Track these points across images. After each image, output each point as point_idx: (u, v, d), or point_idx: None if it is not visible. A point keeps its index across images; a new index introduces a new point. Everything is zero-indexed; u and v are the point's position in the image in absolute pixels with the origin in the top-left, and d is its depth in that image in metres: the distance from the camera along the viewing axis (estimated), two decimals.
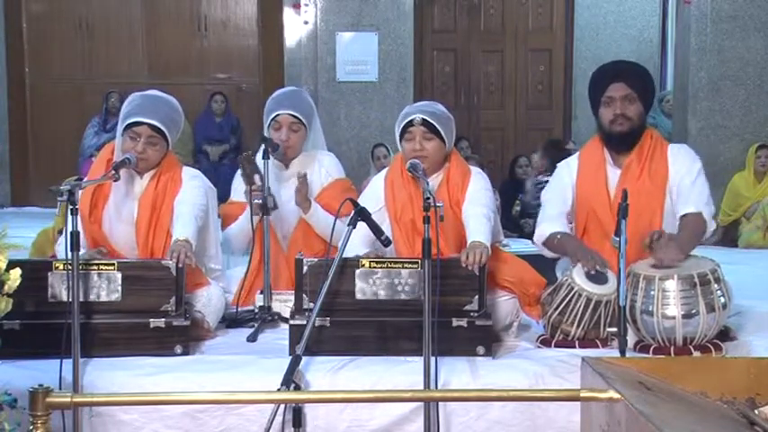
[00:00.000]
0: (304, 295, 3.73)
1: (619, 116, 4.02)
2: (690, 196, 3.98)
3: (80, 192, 3.57)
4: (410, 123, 4.06)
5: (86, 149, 9.61)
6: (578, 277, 3.82)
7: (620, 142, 4.07)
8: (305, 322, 3.54)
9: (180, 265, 3.71)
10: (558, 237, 4.03)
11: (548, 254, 4.16)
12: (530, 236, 7.43)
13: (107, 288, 3.70)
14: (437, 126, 4.05)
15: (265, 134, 4.41)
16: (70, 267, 3.42)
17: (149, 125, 3.98)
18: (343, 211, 3.70)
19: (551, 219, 4.11)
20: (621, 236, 3.38)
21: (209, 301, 4.06)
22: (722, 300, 3.70)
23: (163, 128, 4.01)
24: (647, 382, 2.56)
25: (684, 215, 3.96)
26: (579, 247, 3.96)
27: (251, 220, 4.21)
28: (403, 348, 3.66)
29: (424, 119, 4.04)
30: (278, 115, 4.39)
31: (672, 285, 3.66)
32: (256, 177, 4.17)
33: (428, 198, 3.35)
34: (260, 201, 4.14)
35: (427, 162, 4.00)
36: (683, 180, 4.02)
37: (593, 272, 3.82)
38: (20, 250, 3.28)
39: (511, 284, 4.04)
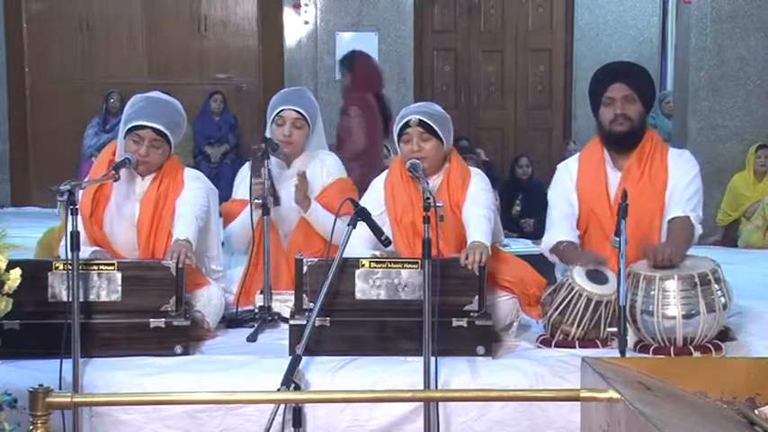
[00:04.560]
0: (304, 295, 3.73)
1: (619, 116, 4.02)
2: (680, 200, 3.99)
3: (81, 192, 3.57)
4: (407, 124, 4.07)
5: (86, 150, 9.61)
6: (579, 277, 3.82)
7: (620, 142, 4.07)
8: (305, 322, 3.54)
9: (180, 266, 3.71)
10: (562, 246, 4.03)
11: (554, 261, 4.16)
12: (530, 236, 7.49)
13: (107, 288, 3.70)
14: (434, 126, 4.05)
15: (267, 133, 4.43)
16: (70, 267, 3.42)
17: (153, 129, 3.98)
18: (343, 211, 3.70)
19: (558, 225, 4.10)
20: (621, 236, 3.38)
21: (209, 301, 4.06)
22: (722, 300, 3.70)
23: (166, 131, 4.01)
24: (647, 382, 2.56)
25: (672, 219, 3.96)
26: (578, 254, 3.96)
27: (251, 217, 4.21)
28: (403, 348, 3.66)
29: (420, 119, 4.05)
30: (282, 110, 4.39)
31: (672, 285, 3.65)
32: (263, 171, 4.17)
33: (428, 198, 3.35)
34: (260, 201, 4.14)
35: (426, 162, 4.00)
36: (678, 184, 4.02)
37: (590, 267, 3.81)
38: (20, 250, 3.28)
39: (511, 284, 4.04)
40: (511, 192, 8.67)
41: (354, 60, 7.04)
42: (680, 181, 4.03)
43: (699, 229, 4.00)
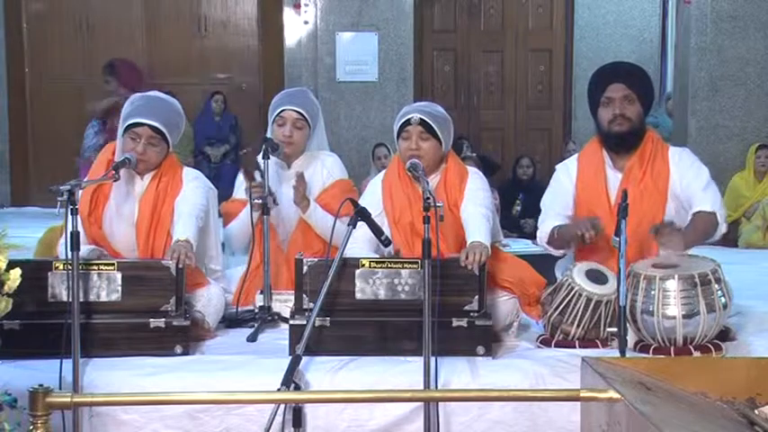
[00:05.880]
0: (304, 295, 3.73)
1: (618, 116, 4.01)
2: (705, 197, 3.97)
3: (80, 192, 3.57)
4: (407, 122, 4.07)
5: (86, 150, 9.59)
6: (578, 277, 3.82)
7: (619, 143, 4.06)
8: (305, 322, 3.54)
9: (180, 266, 3.71)
10: (558, 228, 4.02)
11: (554, 252, 4.15)
12: (530, 236, 7.49)
13: (107, 288, 3.70)
14: (434, 126, 4.06)
15: (268, 133, 4.43)
16: (70, 267, 3.42)
17: (150, 126, 3.99)
18: (343, 212, 3.70)
19: (551, 218, 4.10)
20: (621, 236, 3.38)
21: (209, 301, 4.06)
22: (723, 300, 3.69)
23: (164, 129, 4.02)
24: (647, 382, 2.56)
25: (698, 212, 3.95)
26: (572, 223, 3.94)
27: (251, 216, 4.22)
28: (403, 348, 3.66)
29: (421, 118, 4.05)
30: (283, 110, 4.40)
31: (672, 285, 3.65)
32: (256, 174, 4.18)
33: (428, 198, 3.35)
34: (260, 200, 4.15)
35: (423, 162, 4.00)
36: (692, 184, 4.00)
37: (591, 232, 3.78)
38: (20, 250, 3.28)
39: (511, 284, 4.03)
40: (511, 192, 8.68)
41: (115, 66, 7.25)
42: (695, 181, 4.00)
43: (724, 228, 3.99)
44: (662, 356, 3.58)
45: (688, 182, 4.02)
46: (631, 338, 3.64)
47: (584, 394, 2.52)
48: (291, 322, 3.70)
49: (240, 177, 4.60)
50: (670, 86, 10.36)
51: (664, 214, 4.01)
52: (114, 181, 3.89)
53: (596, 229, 3.80)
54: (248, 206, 4.24)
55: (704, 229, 3.91)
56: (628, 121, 4.02)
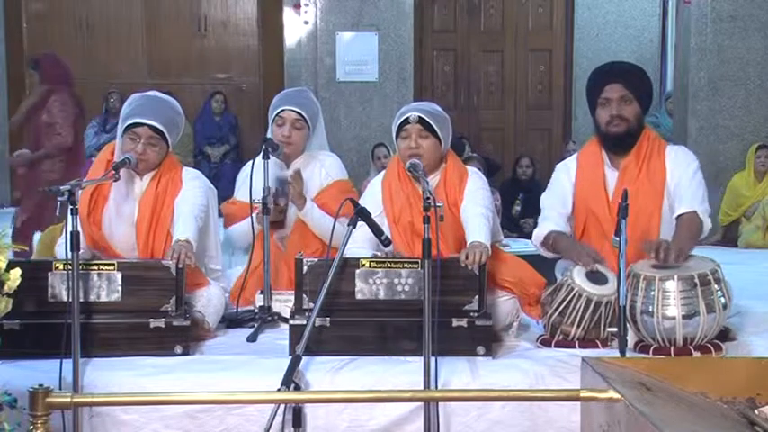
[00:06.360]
0: (304, 295, 3.73)
1: (615, 117, 4.01)
2: (685, 196, 3.97)
3: (80, 192, 3.57)
4: (406, 121, 4.07)
5: (86, 150, 9.60)
6: (578, 277, 3.82)
7: (617, 143, 4.06)
8: (305, 322, 3.54)
9: (180, 266, 3.71)
10: (553, 236, 4.03)
11: (546, 254, 4.16)
12: (530, 236, 7.49)
13: (107, 288, 3.70)
14: (433, 124, 4.06)
15: (268, 133, 4.43)
16: (70, 267, 3.42)
17: (149, 126, 3.98)
18: (343, 212, 3.70)
19: (549, 219, 4.11)
20: (621, 236, 3.39)
21: (209, 301, 4.06)
22: (722, 300, 3.69)
23: (163, 129, 4.01)
24: (647, 382, 2.56)
25: (679, 215, 3.96)
26: (573, 246, 3.96)
27: (251, 223, 4.21)
28: (403, 348, 3.66)
29: (420, 117, 4.05)
30: (282, 111, 4.40)
31: (672, 285, 3.65)
32: (281, 200, 4.25)
33: (428, 198, 3.35)
34: (260, 201, 4.14)
35: (423, 161, 4.00)
36: (681, 180, 4.01)
37: (592, 268, 3.81)
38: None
39: (511, 284, 4.03)
40: (511, 192, 8.68)
41: (39, 61, 7.19)
42: (682, 177, 4.01)
43: (708, 223, 3.98)
44: (662, 356, 3.58)
45: (678, 176, 4.02)
46: (631, 338, 3.64)
47: (584, 394, 2.53)
48: (291, 322, 3.70)
49: (240, 177, 4.60)
50: (670, 86, 10.37)
51: (660, 211, 4.01)
52: (114, 181, 3.88)
53: (597, 263, 3.84)
54: (252, 214, 4.21)
55: (692, 232, 3.91)
56: (625, 121, 4.02)
